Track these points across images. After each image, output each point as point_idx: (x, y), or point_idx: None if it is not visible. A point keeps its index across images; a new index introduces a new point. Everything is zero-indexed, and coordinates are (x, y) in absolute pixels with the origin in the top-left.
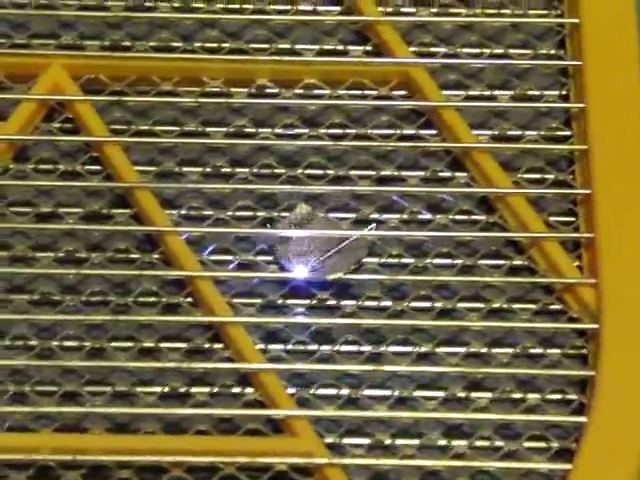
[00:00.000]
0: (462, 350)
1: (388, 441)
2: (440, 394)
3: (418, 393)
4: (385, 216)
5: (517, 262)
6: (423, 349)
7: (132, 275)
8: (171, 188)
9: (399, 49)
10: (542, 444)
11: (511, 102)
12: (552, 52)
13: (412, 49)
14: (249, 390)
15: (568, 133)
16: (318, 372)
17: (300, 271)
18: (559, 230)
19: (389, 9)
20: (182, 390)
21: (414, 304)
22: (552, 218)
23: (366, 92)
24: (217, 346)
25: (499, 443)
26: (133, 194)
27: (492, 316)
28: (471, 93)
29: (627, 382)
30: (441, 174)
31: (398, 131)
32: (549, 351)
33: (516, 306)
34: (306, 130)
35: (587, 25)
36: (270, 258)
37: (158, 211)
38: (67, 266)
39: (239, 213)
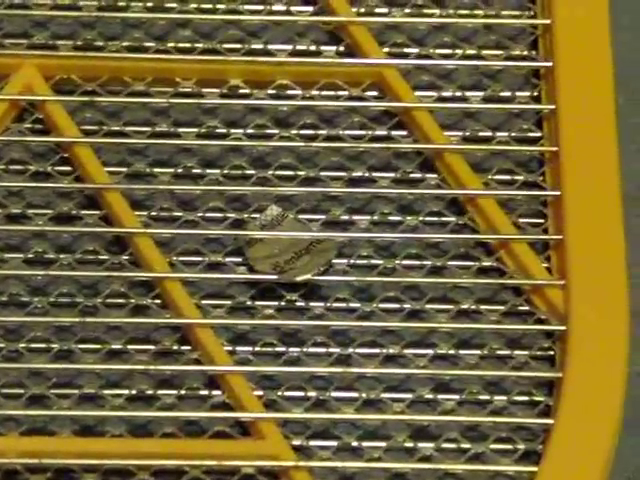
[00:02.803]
0: (430, 352)
1: (355, 443)
2: (408, 396)
3: (385, 395)
4: (355, 217)
5: (486, 263)
6: (391, 351)
7: (101, 276)
8: (141, 189)
9: (372, 50)
10: (509, 446)
11: (483, 103)
12: (525, 53)
13: (385, 50)
14: (216, 392)
15: (539, 134)
16: (286, 374)
17: (269, 272)
18: (528, 232)
19: (362, 9)
20: (149, 392)
21: (383, 305)
22: (521, 219)
23: (339, 93)
24: (185, 348)
25: (466, 445)
26: (103, 195)
27: (460, 317)
28: (443, 94)
29: (594, 384)
30: (412, 175)
31: (370, 132)
32: (516, 352)
33: (484, 307)
34: (277, 131)
35: (559, 26)
36: (240, 259)
37: (127, 212)
38: (36, 267)
39: (209, 214)
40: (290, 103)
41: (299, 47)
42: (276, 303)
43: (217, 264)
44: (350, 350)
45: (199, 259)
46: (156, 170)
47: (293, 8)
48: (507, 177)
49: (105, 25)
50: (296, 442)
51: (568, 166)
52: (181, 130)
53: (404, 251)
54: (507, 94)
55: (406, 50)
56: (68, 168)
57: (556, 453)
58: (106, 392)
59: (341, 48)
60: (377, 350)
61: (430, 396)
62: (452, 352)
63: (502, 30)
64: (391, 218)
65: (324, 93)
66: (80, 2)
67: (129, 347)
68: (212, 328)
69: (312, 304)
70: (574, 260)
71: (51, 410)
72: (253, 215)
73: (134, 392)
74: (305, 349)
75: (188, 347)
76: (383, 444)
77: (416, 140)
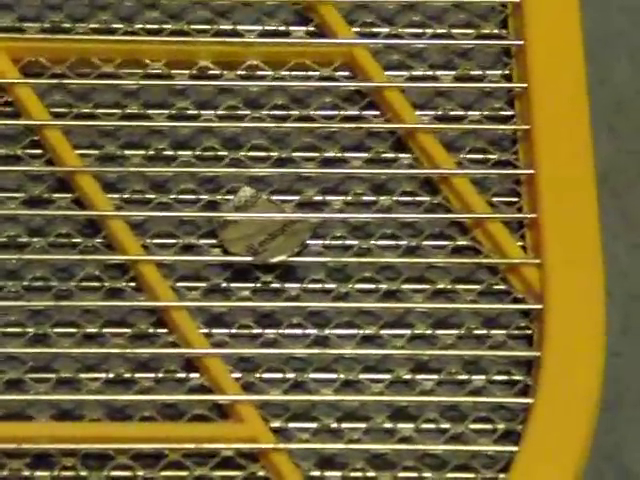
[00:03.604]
0: (407, 332)
1: (334, 425)
2: (386, 377)
3: (364, 376)
4: (329, 198)
5: (461, 243)
6: (368, 331)
7: (74, 260)
8: (112, 172)
9: (342, 29)
10: (488, 426)
11: (454, 82)
12: (495, 31)
13: (355, 29)
14: (194, 375)
15: (511, 113)
16: (263, 356)
17: (244, 254)
18: (502, 210)
19: None
20: (127, 376)
21: (359, 286)
22: (495, 198)
23: (309, 73)
24: (161, 331)
25: (445, 425)
26: (74, 178)
27: (437, 297)
28: (414, 73)
29: (572, 362)
30: (384, 155)
31: (341, 112)
32: (494, 332)
33: (460, 287)
34: (248, 112)
35: (529, 4)
36: (214, 241)
37: (100, 195)
38: (9, 251)
39: (182, 196)
40: (261, 84)
41: (268, 27)
42: (251, 285)
43: (191, 246)
44: (327, 331)
45: (173, 241)
46: (127, 152)
47: None
48: (480, 156)
49: (72, 7)
50: (275, 424)
51: (541, 144)
52: (151, 112)
53: (379, 231)
54: (478, 73)
55: (376, 29)
56: (39, 151)
57: (535, 432)
58: (83, 376)
59: (311, 28)
60: (354, 331)
61: (408, 376)
62: (429, 332)
63: (472, 8)
64: (365, 198)
65: (294, 73)
66: None
67: (105, 330)
68: (188, 310)
69: (287, 285)
70: (549, 238)
71: (28, 395)
72: (226, 197)
73: (111, 376)
74: (282, 330)
75: (164, 330)
76: (362, 425)
77: (388, 120)
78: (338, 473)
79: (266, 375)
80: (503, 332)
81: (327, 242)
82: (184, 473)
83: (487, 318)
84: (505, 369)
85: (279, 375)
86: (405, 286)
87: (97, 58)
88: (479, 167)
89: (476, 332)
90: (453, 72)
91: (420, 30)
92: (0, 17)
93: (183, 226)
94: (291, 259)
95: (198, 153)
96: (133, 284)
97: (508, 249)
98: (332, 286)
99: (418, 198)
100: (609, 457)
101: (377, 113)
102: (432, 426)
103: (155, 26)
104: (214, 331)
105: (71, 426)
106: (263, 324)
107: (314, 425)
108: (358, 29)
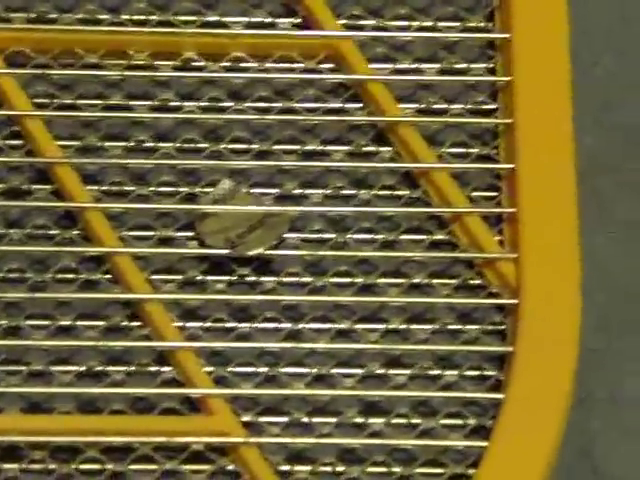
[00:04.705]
0: (381, 327)
1: (305, 419)
2: (358, 371)
3: (336, 370)
4: (308, 191)
5: (438, 237)
6: (342, 326)
7: (50, 251)
8: (92, 163)
9: (327, 22)
10: (459, 421)
11: (438, 75)
12: (481, 25)
13: (341, 22)
14: (166, 369)
15: (494, 106)
16: (236, 350)
17: (221, 247)
18: (481, 205)
19: None
20: (98, 369)
21: (334, 280)
22: (475, 193)
23: (293, 65)
24: (134, 324)
25: (416, 420)
26: (54, 169)
27: (412, 291)
28: (398, 66)
29: (544, 358)
30: (366, 148)
31: (324, 105)
32: (468, 327)
33: (436, 281)
34: (231, 104)
35: None
36: (191, 234)
37: (78, 187)
38: None
39: (161, 188)
40: (244, 75)
41: (254, 19)
42: (227, 278)
43: (168, 239)
44: (301, 325)
45: (150, 234)
46: (108, 144)
47: None
48: (461, 150)
49: None
50: (246, 418)
51: (522, 139)
52: (134, 103)
53: (356, 225)
54: (463, 66)
55: (362, 22)
56: (19, 142)
57: (506, 428)
58: (54, 369)
59: (296, 20)
60: (328, 325)
61: (381, 371)
62: (403, 327)
63: (458, 1)
64: (344, 192)
65: (279, 66)
66: None
67: (78, 323)
68: (162, 303)
69: (263, 279)
70: (527, 233)
71: None
72: (206, 189)
73: (83, 368)
74: (255, 324)
75: (138, 323)
76: (333, 420)
77: (370, 113)
78: (308, 467)
79: (238, 369)
80: (477, 327)
81: (304, 235)
82: (154, 467)
83: (461, 313)
84: (477, 364)
85: (251, 369)
86: (381, 280)
87: (82, 49)
88: (460, 161)
89: (450, 327)
90: (437, 65)
91: (406, 23)
92: None
93: (161, 218)
94: (268, 252)
95: (178, 145)
96: (109, 276)
97: (485, 243)
98: (308, 280)
99: (397, 192)
100: (581, 453)
101: (360, 106)
102: (403, 421)
103: (141, 17)
104: (187, 324)
105: (41, 419)
106: (237, 318)
107: (285, 419)
108: (344, 21)
